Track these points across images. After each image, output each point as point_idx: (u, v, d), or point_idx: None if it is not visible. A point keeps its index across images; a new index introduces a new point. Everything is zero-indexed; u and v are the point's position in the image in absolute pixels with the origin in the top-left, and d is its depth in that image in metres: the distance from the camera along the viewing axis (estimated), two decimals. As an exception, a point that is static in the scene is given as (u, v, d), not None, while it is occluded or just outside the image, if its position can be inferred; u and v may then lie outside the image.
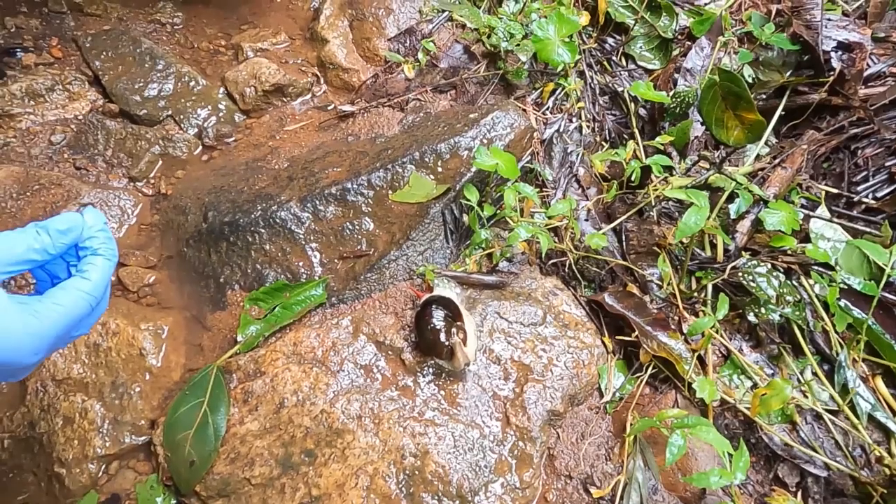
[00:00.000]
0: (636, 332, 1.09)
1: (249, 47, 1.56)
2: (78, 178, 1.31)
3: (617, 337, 1.14)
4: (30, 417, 1.02)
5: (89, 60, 1.49)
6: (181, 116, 1.44)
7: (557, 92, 1.38)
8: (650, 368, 1.10)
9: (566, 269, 1.21)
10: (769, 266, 1.09)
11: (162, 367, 1.09)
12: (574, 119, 1.37)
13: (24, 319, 0.60)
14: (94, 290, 0.67)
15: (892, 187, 1.20)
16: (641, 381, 1.09)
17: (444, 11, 1.53)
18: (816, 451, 0.99)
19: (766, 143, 1.29)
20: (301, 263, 1.18)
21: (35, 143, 1.36)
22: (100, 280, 0.68)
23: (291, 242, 1.19)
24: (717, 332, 1.08)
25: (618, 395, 1.10)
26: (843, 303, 1.08)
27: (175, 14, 1.64)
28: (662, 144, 1.27)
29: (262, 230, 1.19)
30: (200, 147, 1.43)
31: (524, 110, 1.35)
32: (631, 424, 1.04)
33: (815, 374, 1.05)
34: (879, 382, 1.04)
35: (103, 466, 1.01)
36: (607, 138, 1.37)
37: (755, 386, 1.06)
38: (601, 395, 1.10)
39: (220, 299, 1.18)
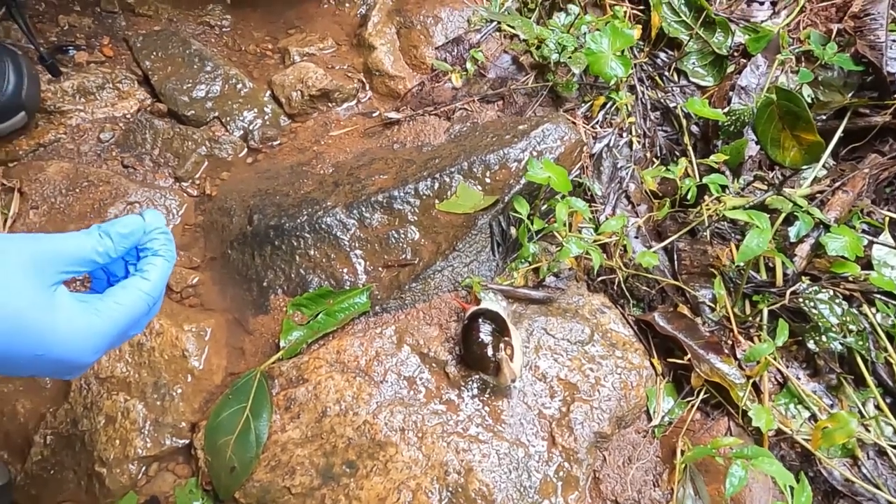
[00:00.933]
0: (688, 355, 1.06)
1: (296, 52, 1.56)
2: (125, 177, 1.32)
3: (667, 359, 1.10)
4: (73, 415, 1.02)
5: (139, 60, 1.50)
6: (227, 118, 1.44)
7: (608, 106, 1.36)
8: (702, 393, 1.07)
9: (615, 287, 1.18)
10: (831, 292, 1.05)
11: (204, 369, 1.08)
12: (624, 134, 1.34)
13: (87, 319, 0.61)
14: (153, 291, 0.68)
15: (959, 215, 1.16)
16: (693, 406, 1.06)
17: (492, 21, 1.51)
18: (880, 489, 0.94)
19: (823, 166, 1.25)
20: (345, 270, 1.16)
21: (84, 140, 1.37)
22: (159, 280, 0.69)
23: (336, 249, 1.18)
24: (774, 358, 1.04)
25: (667, 419, 1.07)
26: (907, 334, 1.03)
27: (224, 17, 1.65)
28: (716, 163, 1.24)
29: (308, 235, 1.18)
30: (246, 149, 1.43)
31: (574, 123, 1.32)
32: (682, 451, 1.01)
33: (878, 407, 1.00)
34: (946, 419, 1.00)
35: (143, 468, 1.00)
36: (658, 154, 1.34)
37: (813, 416, 1.02)
38: (649, 419, 1.07)
39: (262, 303, 1.17)
